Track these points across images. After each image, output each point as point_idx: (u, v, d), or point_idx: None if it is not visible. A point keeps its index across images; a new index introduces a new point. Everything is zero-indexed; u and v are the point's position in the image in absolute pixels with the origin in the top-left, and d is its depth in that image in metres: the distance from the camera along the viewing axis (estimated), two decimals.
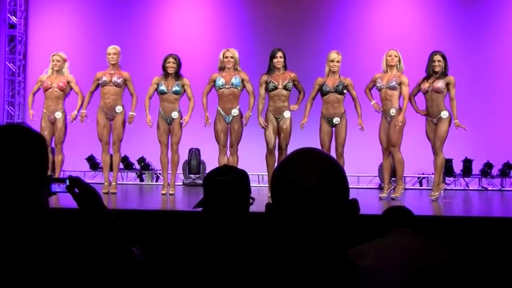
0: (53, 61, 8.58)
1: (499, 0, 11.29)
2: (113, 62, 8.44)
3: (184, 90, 8.38)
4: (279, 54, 8.09)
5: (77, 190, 1.87)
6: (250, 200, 2.64)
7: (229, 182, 2.52)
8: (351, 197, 1.36)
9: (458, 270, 0.92)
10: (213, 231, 2.46)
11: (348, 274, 1.33)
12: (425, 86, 7.99)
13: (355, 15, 11.46)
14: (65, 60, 8.64)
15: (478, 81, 10.85)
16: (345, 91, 8.07)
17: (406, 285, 0.96)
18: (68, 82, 8.59)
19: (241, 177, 2.59)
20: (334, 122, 8.07)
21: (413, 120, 8.20)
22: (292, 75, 8.13)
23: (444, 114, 7.93)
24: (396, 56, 8.06)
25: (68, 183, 1.88)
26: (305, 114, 8.21)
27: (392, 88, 7.99)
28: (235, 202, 2.53)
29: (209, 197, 2.55)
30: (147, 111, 8.36)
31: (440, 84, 7.89)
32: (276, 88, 8.07)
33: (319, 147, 7.76)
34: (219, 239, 2.38)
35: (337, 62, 8.05)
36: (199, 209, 2.65)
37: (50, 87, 8.52)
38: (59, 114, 8.51)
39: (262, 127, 8.14)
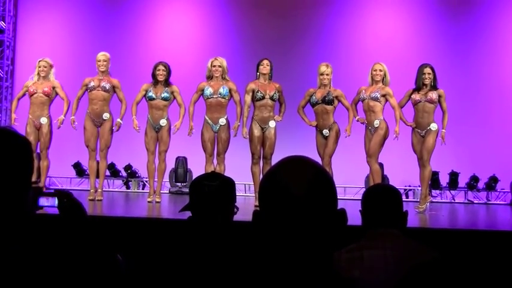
0: (39, 67, 8.53)
1: (486, 15, 11.37)
2: (102, 69, 8.41)
3: (174, 97, 8.37)
4: (266, 62, 8.16)
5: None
6: (235, 209, 2.64)
7: (216, 188, 2.52)
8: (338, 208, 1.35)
9: (443, 271, 0.92)
10: (198, 238, 2.44)
11: (335, 285, 1.32)
12: (417, 97, 8.02)
13: (345, 28, 11.50)
14: (51, 66, 8.59)
15: (465, 95, 10.90)
16: (335, 102, 8.09)
17: None
18: (54, 87, 8.53)
19: (228, 185, 2.59)
20: (324, 133, 8.10)
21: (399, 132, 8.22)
22: (277, 85, 8.20)
23: (433, 126, 7.97)
24: (381, 70, 8.08)
25: (57, 202, 1.85)
26: (306, 120, 8.24)
27: (375, 99, 8.00)
28: (221, 209, 2.53)
29: (196, 202, 2.54)
30: (134, 116, 8.32)
31: (434, 95, 7.95)
32: (263, 98, 8.08)
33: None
34: (204, 246, 2.37)
35: (327, 75, 8.08)
36: (185, 217, 2.64)
37: (35, 93, 8.46)
38: (44, 120, 8.45)
39: (244, 137, 8.16)
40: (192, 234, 2.49)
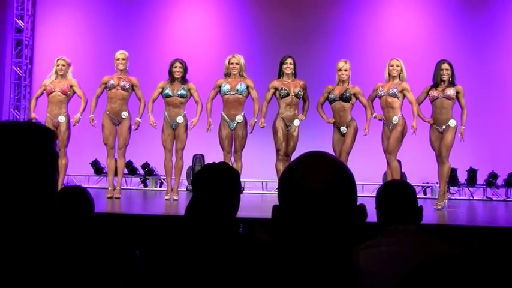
0: (57, 65, 8.56)
1: (505, 10, 11.28)
2: (121, 68, 8.43)
3: (191, 95, 8.37)
4: (289, 60, 8.16)
5: None
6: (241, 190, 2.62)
7: (222, 188, 2.50)
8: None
9: (459, 267, 0.90)
10: (213, 235, 2.44)
11: (348, 277, 1.31)
12: (435, 93, 7.97)
13: (361, 24, 11.45)
14: (69, 65, 8.62)
15: (483, 91, 10.82)
16: (352, 99, 8.07)
17: (403, 283, 0.94)
18: (71, 86, 8.55)
19: (233, 180, 2.56)
20: (341, 131, 8.08)
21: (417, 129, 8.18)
22: (302, 83, 8.20)
23: (452, 122, 7.91)
24: (398, 66, 8.03)
25: None
26: (324, 117, 8.23)
27: (393, 95, 7.96)
28: (229, 203, 2.52)
29: (200, 200, 2.53)
30: (150, 113, 8.35)
31: (452, 91, 7.90)
32: (288, 95, 8.09)
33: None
34: (219, 243, 2.36)
35: (345, 70, 8.07)
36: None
37: (53, 91, 8.50)
38: (62, 118, 8.49)
39: (261, 127, 8.14)
40: (207, 231, 2.49)
